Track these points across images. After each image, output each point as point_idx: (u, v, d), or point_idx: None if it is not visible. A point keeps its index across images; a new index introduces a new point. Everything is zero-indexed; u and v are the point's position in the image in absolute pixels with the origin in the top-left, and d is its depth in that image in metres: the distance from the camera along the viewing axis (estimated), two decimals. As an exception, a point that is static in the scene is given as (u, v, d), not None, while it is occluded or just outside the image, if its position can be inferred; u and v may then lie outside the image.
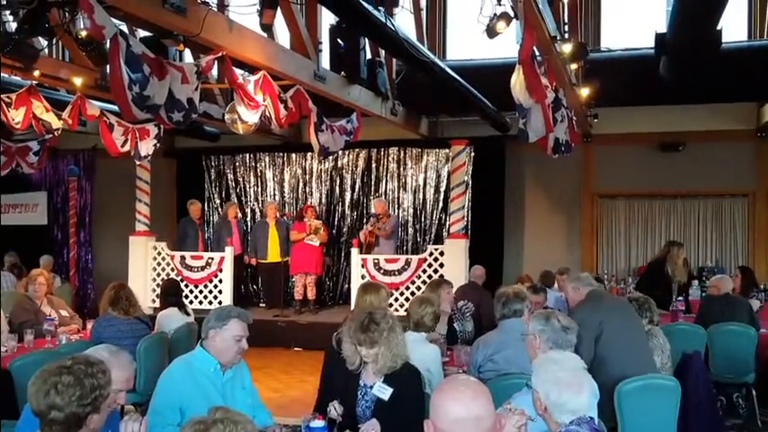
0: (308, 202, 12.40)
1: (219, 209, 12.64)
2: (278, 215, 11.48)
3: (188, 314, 6.55)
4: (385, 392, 3.45)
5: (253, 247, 11.47)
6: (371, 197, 12.23)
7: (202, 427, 2.06)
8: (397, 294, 10.13)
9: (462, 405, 2.01)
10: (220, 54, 5.79)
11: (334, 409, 3.45)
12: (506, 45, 8.80)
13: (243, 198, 12.86)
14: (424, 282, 9.94)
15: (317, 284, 11.19)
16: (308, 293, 11.03)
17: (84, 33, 5.70)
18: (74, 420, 2.41)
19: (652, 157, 11.17)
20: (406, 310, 5.20)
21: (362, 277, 10.14)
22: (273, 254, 11.19)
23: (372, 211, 11.39)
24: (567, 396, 2.64)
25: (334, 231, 12.41)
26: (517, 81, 5.47)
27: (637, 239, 11.64)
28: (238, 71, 6.39)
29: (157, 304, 8.43)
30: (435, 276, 9.76)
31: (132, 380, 3.05)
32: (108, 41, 4.76)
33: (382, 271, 10.33)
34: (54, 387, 2.38)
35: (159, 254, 11.05)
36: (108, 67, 5.13)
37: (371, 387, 3.53)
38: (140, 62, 4.99)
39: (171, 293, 6.71)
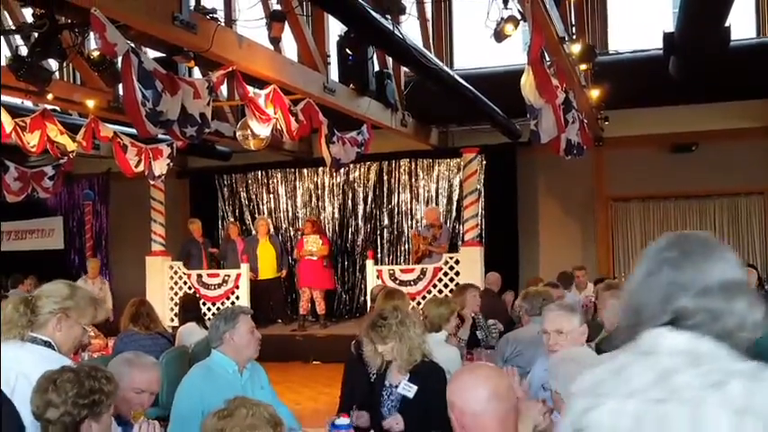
0: (321, 217, 12.43)
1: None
2: (270, 231, 11.53)
3: (207, 328, 6.56)
4: (410, 390, 3.48)
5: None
6: (384, 209, 12.25)
7: (226, 413, 2.04)
8: (413, 304, 10.08)
9: (489, 382, 2.03)
10: (231, 69, 5.84)
11: (356, 417, 3.47)
12: (513, 52, 8.86)
13: (256, 215, 12.85)
14: (440, 291, 9.93)
15: (326, 299, 11.03)
16: (317, 308, 10.88)
17: (96, 54, 5.78)
18: (69, 423, 2.30)
19: (665, 158, 11.09)
20: (422, 309, 5.18)
21: (379, 288, 10.10)
22: (265, 270, 11.10)
23: (424, 221, 11.32)
24: None
25: (348, 245, 12.42)
26: (527, 81, 5.48)
27: (653, 242, 11.51)
28: (248, 87, 6.44)
29: (176, 323, 8.46)
30: (451, 285, 9.76)
31: (157, 383, 2.99)
32: (120, 59, 4.84)
33: (398, 281, 10.27)
34: (53, 383, 2.33)
35: (176, 273, 11.10)
36: (121, 84, 5.21)
37: (396, 386, 3.55)
38: (152, 78, 5.05)
39: (190, 309, 6.75)
